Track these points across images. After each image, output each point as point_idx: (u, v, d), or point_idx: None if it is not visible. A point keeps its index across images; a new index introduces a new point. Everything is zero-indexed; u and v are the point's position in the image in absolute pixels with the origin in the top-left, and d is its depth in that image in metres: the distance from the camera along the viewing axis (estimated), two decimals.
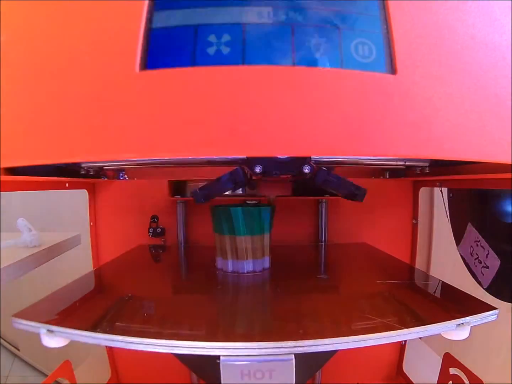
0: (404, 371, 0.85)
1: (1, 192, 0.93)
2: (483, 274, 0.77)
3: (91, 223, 0.85)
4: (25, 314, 0.40)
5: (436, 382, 0.61)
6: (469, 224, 0.81)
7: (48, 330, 0.36)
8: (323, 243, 0.86)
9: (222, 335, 0.37)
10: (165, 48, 0.24)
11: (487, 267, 0.76)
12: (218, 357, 0.34)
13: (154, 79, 0.24)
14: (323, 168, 0.53)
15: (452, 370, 0.57)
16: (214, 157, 0.62)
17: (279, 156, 0.49)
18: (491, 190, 0.76)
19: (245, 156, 0.56)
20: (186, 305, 0.49)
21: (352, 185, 0.55)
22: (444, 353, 0.59)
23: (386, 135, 0.23)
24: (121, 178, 0.84)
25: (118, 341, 0.35)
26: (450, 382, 0.58)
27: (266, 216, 0.61)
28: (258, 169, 0.50)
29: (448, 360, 0.58)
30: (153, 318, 0.42)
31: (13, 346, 1.38)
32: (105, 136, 0.24)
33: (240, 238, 0.59)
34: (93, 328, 0.37)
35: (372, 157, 0.64)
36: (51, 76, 0.26)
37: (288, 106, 0.23)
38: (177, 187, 0.84)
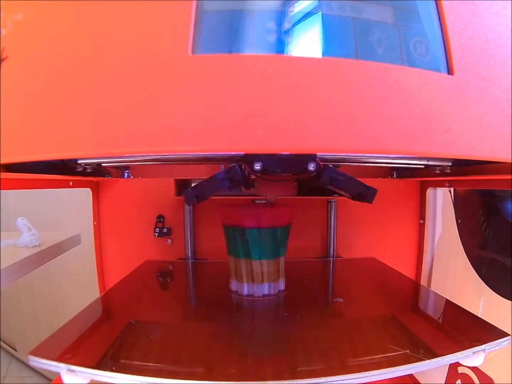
0: None
1: (0, 191, 0.90)
2: None
3: (95, 223, 0.83)
4: (41, 351, 0.39)
5: (444, 382, 0.61)
6: None
7: (69, 370, 0.36)
8: (332, 258, 0.86)
9: (251, 373, 0.37)
10: (219, 32, 0.22)
11: None
12: None
13: (208, 63, 0.22)
14: (330, 165, 0.49)
15: (461, 369, 0.57)
16: (212, 153, 0.54)
17: (282, 152, 0.44)
18: (499, 191, 0.77)
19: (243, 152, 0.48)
20: (206, 337, 0.47)
21: (361, 184, 0.50)
22: None
23: (447, 134, 0.23)
24: (126, 176, 0.82)
25: (146, 382, 0.34)
26: (459, 381, 0.58)
27: (282, 238, 0.60)
28: (258, 166, 0.45)
29: None
30: (174, 353, 0.41)
31: (10, 346, 1.36)
32: (153, 126, 0.22)
33: (256, 262, 0.58)
34: (113, 364, 0.36)
35: (390, 155, 0.60)
36: (78, 61, 0.24)
37: (352, 100, 0.22)
38: (184, 186, 0.82)
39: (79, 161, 0.62)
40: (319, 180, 0.48)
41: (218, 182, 0.47)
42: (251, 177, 0.51)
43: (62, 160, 0.61)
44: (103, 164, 0.70)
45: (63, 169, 0.61)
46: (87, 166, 0.65)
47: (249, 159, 0.45)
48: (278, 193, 0.58)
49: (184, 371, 0.37)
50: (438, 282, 0.94)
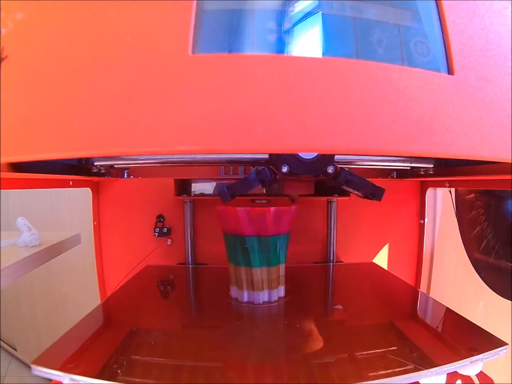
0: None
1: (0, 191, 0.90)
2: None
3: (95, 223, 0.83)
4: (44, 360, 0.39)
5: (444, 382, 0.61)
6: None
7: (72, 379, 0.36)
8: (331, 263, 0.86)
9: (250, 382, 0.38)
10: (219, 32, 0.22)
11: None
12: None
13: (209, 63, 0.22)
14: (345, 168, 0.54)
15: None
16: (237, 155, 0.61)
17: (304, 156, 0.50)
18: (500, 191, 0.77)
19: (268, 156, 0.57)
20: (207, 345, 0.47)
21: (371, 184, 0.56)
22: None
23: (448, 134, 0.23)
24: (125, 176, 0.82)
25: None
26: (459, 381, 0.58)
27: (283, 246, 0.60)
28: (285, 169, 0.49)
29: None
30: (175, 362, 0.42)
31: (10, 346, 1.36)
32: (153, 126, 0.22)
33: (256, 270, 0.59)
34: (115, 374, 0.37)
35: (380, 157, 0.64)
36: (77, 60, 0.24)
37: (352, 100, 0.22)
38: (183, 186, 0.82)
39: (96, 163, 0.65)
40: (335, 181, 0.54)
41: (250, 182, 0.54)
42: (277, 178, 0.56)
43: (80, 161, 0.63)
44: (115, 166, 0.70)
45: (82, 170, 0.61)
46: (101, 168, 0.66)
47: (276, 162, 0.51)
48: (301, 192, 0.65)
49: (185, 380, 0.37)
50: (438, 281, 0.95)
